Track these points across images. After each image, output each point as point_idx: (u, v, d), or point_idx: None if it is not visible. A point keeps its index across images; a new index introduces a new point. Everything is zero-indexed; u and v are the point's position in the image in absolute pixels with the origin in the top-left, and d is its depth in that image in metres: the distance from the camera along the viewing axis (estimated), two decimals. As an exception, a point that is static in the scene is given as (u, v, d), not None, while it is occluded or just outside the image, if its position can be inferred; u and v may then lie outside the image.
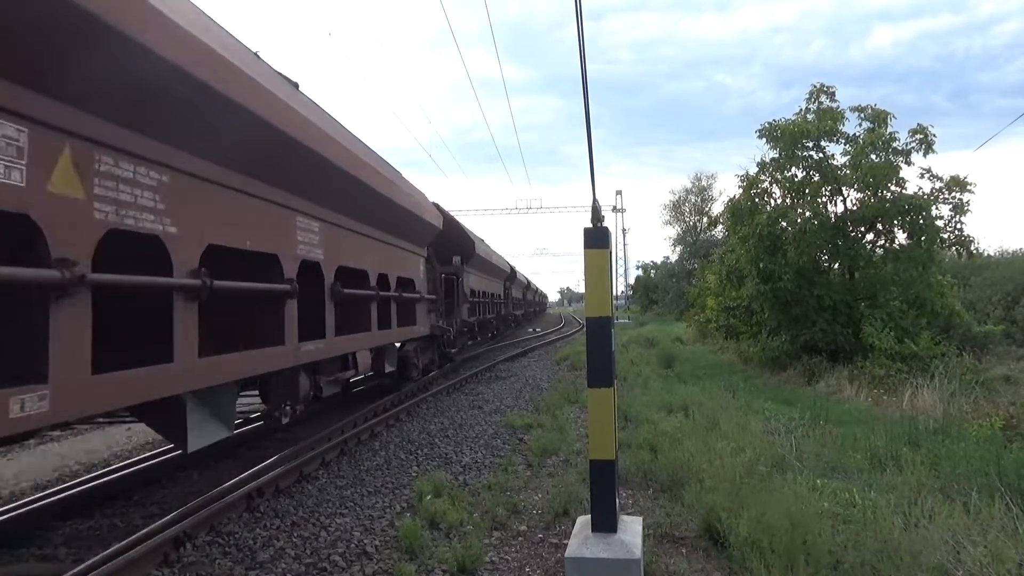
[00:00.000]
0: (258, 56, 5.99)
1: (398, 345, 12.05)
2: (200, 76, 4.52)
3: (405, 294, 11.40)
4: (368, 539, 5.54)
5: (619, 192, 65.52)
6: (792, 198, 19.30)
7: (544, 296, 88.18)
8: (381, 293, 9.89)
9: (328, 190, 7.53)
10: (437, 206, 14.82)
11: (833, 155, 18.89)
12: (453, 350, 16.83)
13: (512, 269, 32.77)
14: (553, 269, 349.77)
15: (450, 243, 16.52)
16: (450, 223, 16.53)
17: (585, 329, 4.59)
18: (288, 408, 7.21)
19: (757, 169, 19.58)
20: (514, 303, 36.02)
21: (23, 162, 3.38)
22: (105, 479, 6.87)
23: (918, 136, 17.76)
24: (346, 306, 8.35)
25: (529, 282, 50.43)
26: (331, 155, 7.13)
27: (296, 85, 6.82)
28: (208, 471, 7.57)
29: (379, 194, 9.14)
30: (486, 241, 24.35)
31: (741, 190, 19.97)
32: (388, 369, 11.37)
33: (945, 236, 17.84)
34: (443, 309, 15.27)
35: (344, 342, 8.39)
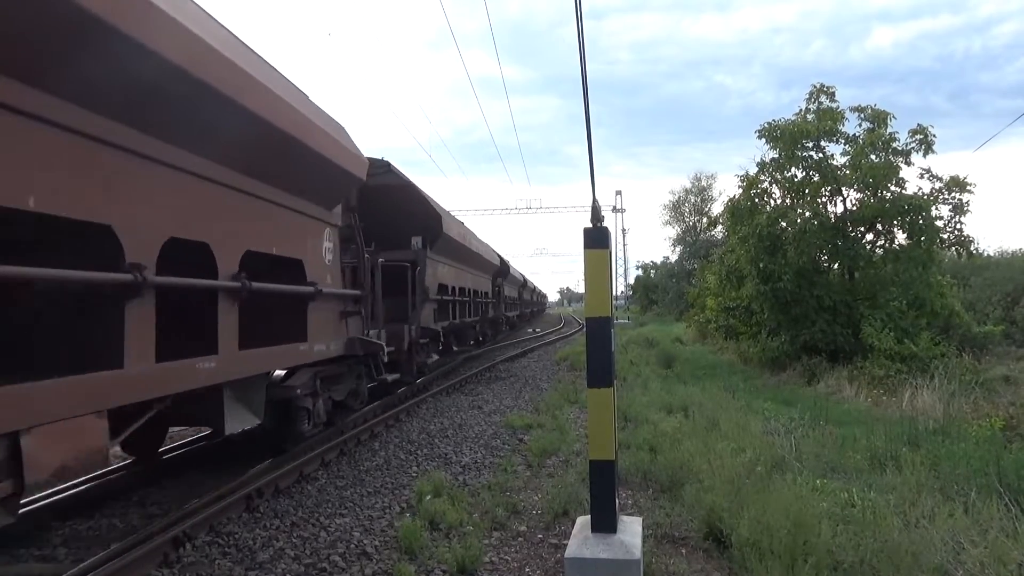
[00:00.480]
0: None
1: (280, 373, 7.56)
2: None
3: (286, 286, 6.89)
4: (368, 539, 5.53)
5: (619, 192, 65.58)
6: (792, 198, 19.31)
7: (544, 296, 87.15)
8: (229, 284, 5.65)
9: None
10: (382, 161, 11.64)
11: (833, 155, 18.94)
12: (391, 377, 10.60)
13: (503, 262, 26.98)
14: (553, 269, 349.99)
15: (405, 219, 12.53)
16: (400, 188, 12.51)
17: (585, 329, 4.59)
18: None
19: (757, 169, 19.61)
20: (507, 303, 30.85)
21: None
22: (105, 479, 6.86)
23: (918, 136, 17.78)
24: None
25: (526, 280, 48.20)
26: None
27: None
28: (208, 471, 7.56)
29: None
30: (465, 224, 19.79)
31: (741, 190, 19.99)
32: (229, 429, 6.27)
33: (945, 236, 17.87)
34: (380, 313, 10.10)
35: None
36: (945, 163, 54.44)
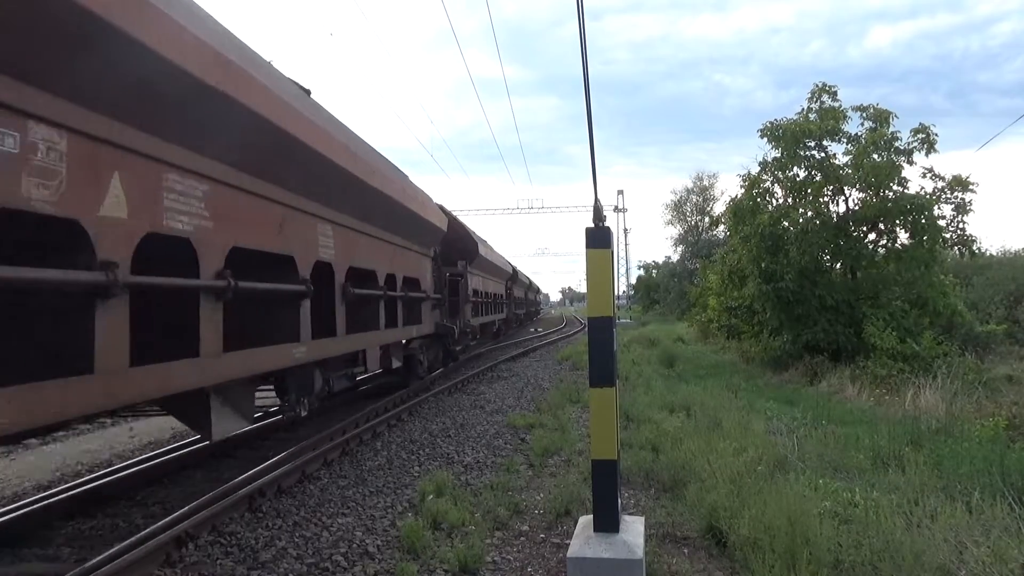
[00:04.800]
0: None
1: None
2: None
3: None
4: (370, 539, 5.54)
5: (620, 192, 65.55)
6: (794, 198, 19.28)
7: (545, 296, 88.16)
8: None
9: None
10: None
11: (835, 155, 18.89)
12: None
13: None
14: (554, 269, 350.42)
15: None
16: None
17: (587, 329, 4.58)
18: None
19: (759, 169, 19.57)
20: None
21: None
22: (107, 479, 6.87)
23: (920, 136, 17.74)
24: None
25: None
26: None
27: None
28: (210, 471, 7.58)
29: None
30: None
31: (743, 190, 19.97)
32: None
33: (947, 236, 17.81)
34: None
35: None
36: (945, 162, 54.52)
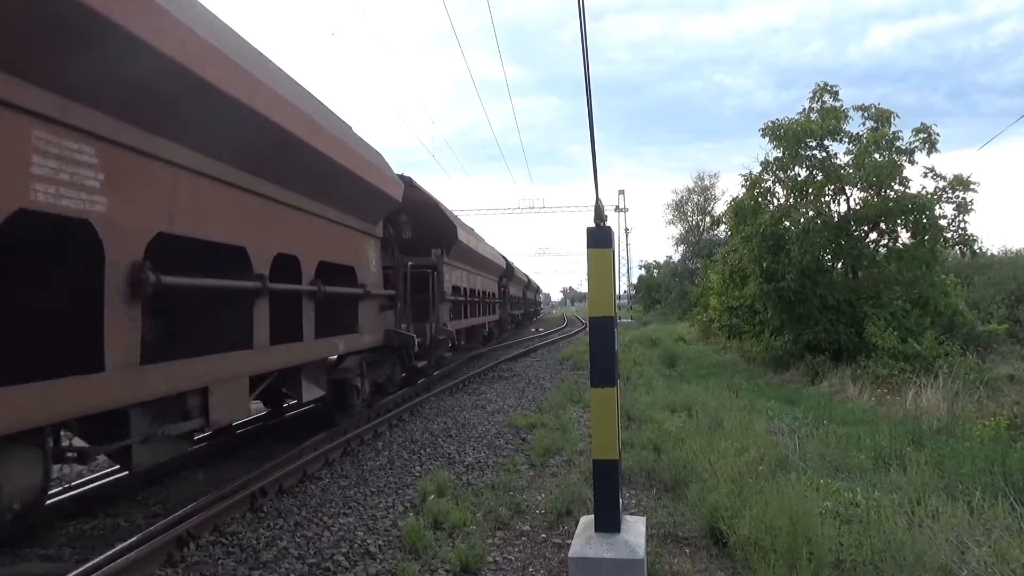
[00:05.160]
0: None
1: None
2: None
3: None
4: (371, 539, 5.54)
5: (622, 192, 65.54)
6: (795, 197, 19.26)
7: (546, 295, 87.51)
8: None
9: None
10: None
11: (836, 154, 18.87)
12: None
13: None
14: (555, 269, 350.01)
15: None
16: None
17: (588, 329, 4.58)
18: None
19: (760, 168, 19.56)
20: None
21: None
22: (108, 479, 6.88)
23: (921, 135, 17.71)
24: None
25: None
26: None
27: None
28: (211, 471, 7.58)
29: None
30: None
31: (744, 189, 19.95)
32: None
33: (948, 235, 17.78)
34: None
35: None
36: (946, 162, 54.44)
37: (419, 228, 12.65)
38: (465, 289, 18.46)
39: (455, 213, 18.48)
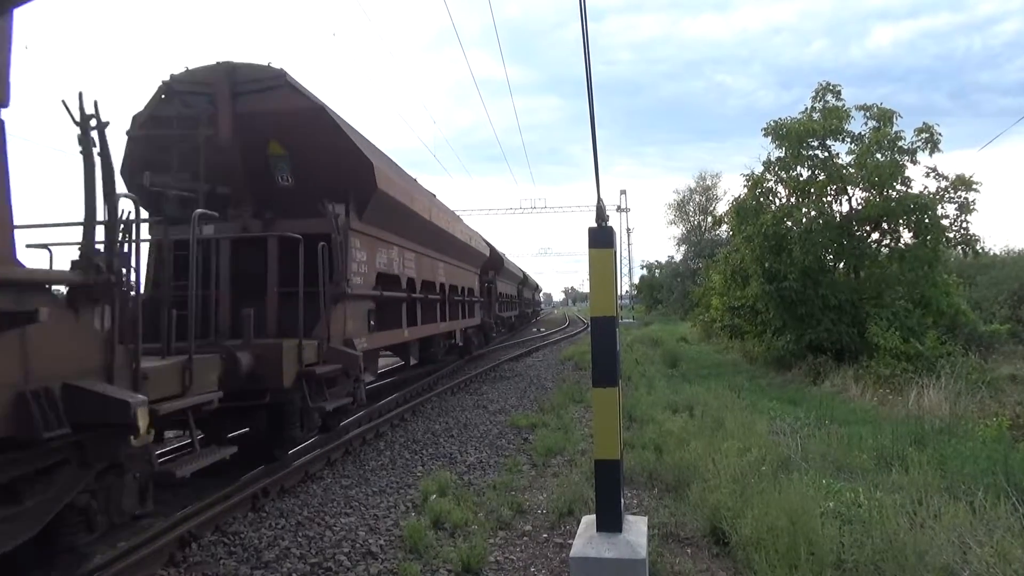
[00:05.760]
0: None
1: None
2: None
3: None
4: (373, 539, 5.54)
5: (623, 192, 65.67)
6: (797, 197, 19.26)
7: (547, 295, 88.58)
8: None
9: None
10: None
11: (838, 154, 18.87)
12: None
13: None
14: (557, 268, 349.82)
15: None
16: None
17: (589, 329, 4.58)
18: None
19: (762, 168, 19.56)
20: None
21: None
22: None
23: (924, 135, 17.71)
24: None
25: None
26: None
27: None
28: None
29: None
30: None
31: (746, 189, 19.95)
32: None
33: (951, 235, 17.79)
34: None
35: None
36: (948, 161, 54.36)
37: (305, 165, 8.17)
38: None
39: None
